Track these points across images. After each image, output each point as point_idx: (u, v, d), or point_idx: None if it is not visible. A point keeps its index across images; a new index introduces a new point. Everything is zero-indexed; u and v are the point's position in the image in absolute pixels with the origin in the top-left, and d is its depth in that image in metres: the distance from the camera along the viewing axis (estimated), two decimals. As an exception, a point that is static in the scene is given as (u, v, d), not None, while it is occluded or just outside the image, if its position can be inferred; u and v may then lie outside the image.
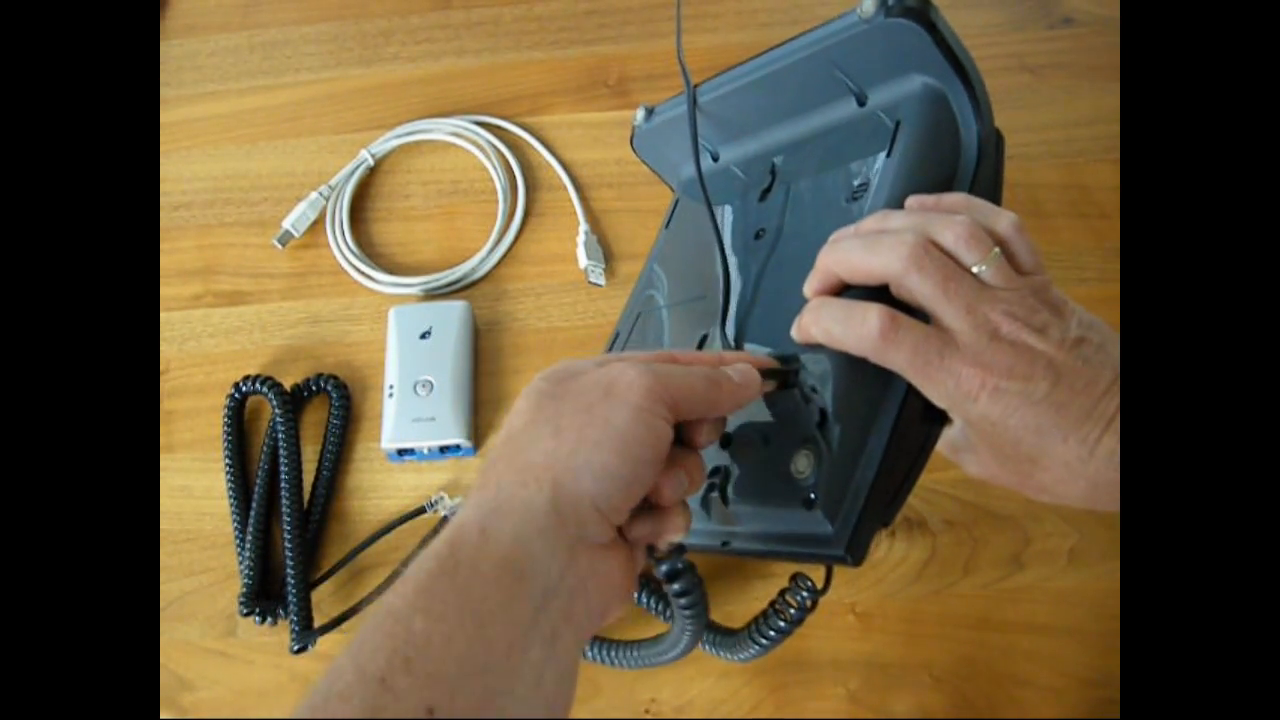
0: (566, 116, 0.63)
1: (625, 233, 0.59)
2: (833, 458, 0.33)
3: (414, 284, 0.57)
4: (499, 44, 0.66)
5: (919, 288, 0.32)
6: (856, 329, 0.32)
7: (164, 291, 0.58)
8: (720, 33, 0.65)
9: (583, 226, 0.58)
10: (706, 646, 0.45)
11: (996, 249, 0.32)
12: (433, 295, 0.57)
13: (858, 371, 0.34)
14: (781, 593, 0.41)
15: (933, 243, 0.32)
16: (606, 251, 0.58)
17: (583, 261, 0.57)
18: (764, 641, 0.42)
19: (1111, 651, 0.47)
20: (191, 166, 0.62)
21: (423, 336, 0.53)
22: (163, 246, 0.60)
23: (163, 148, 0.63)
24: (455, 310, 0.54)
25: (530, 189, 0.60)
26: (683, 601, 0.34)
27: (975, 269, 0.32)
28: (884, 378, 0.33)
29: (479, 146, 0.61)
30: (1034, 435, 0.31)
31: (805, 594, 0.40)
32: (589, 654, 0.46)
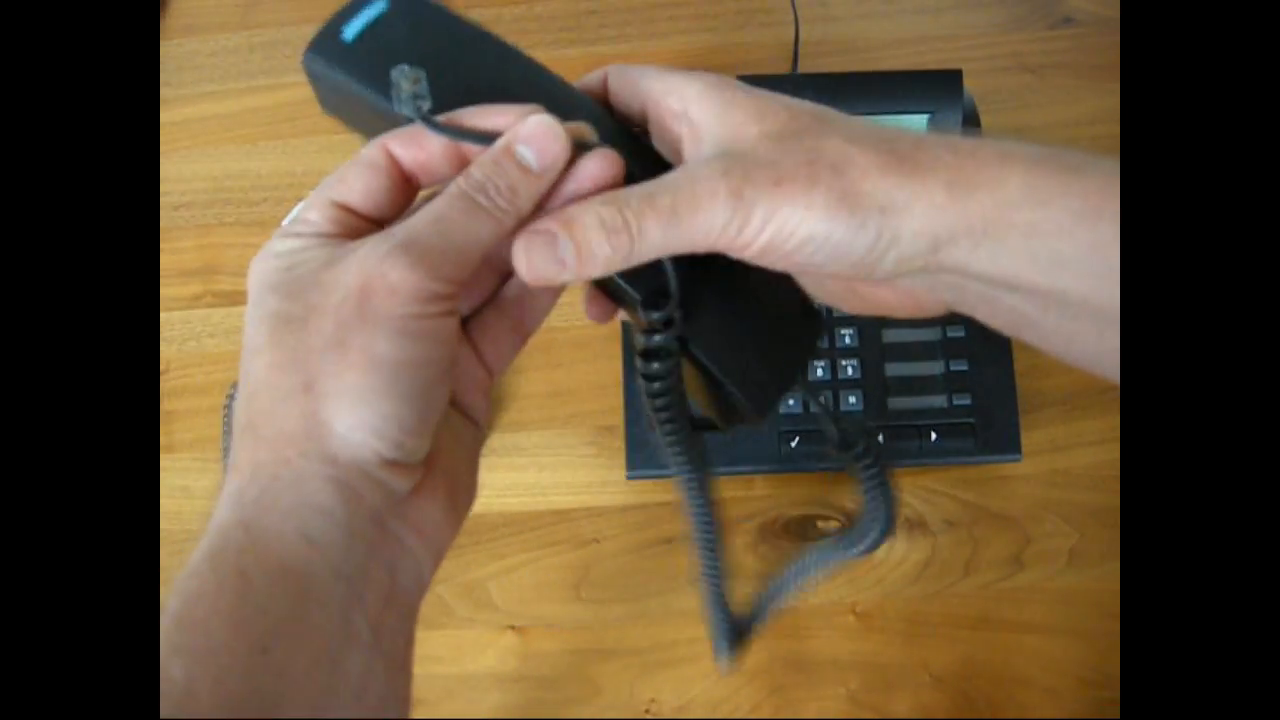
0: (566, 116, 0.63)
1: (625, 233, 0.59)
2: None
3: (414, 284, 0.57)
4: (499, 44, 0.66)
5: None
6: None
7: (164, 291, 0.58)
8: (720, 33, 0.65)
9: (583, 226, 0.58)
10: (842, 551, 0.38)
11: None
12: (433, 295, 0.57)
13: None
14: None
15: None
16: (606, 251, 0.58)
17: (583, 261, 0.57)
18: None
19: (1111, 651, 0.47)
20: (191, 166, 0.62)
21: (423, 336, 0.53)
22: (163, 246, 0.60)
23: (163, 148, 0.63)
24: (455, 310, 0.54)
25: (530, 189, 0.60)
26: (656, 389, 0.28)
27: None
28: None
29: (479, 146, 0.61)
30: None
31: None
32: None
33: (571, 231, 0.25)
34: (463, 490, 0.27)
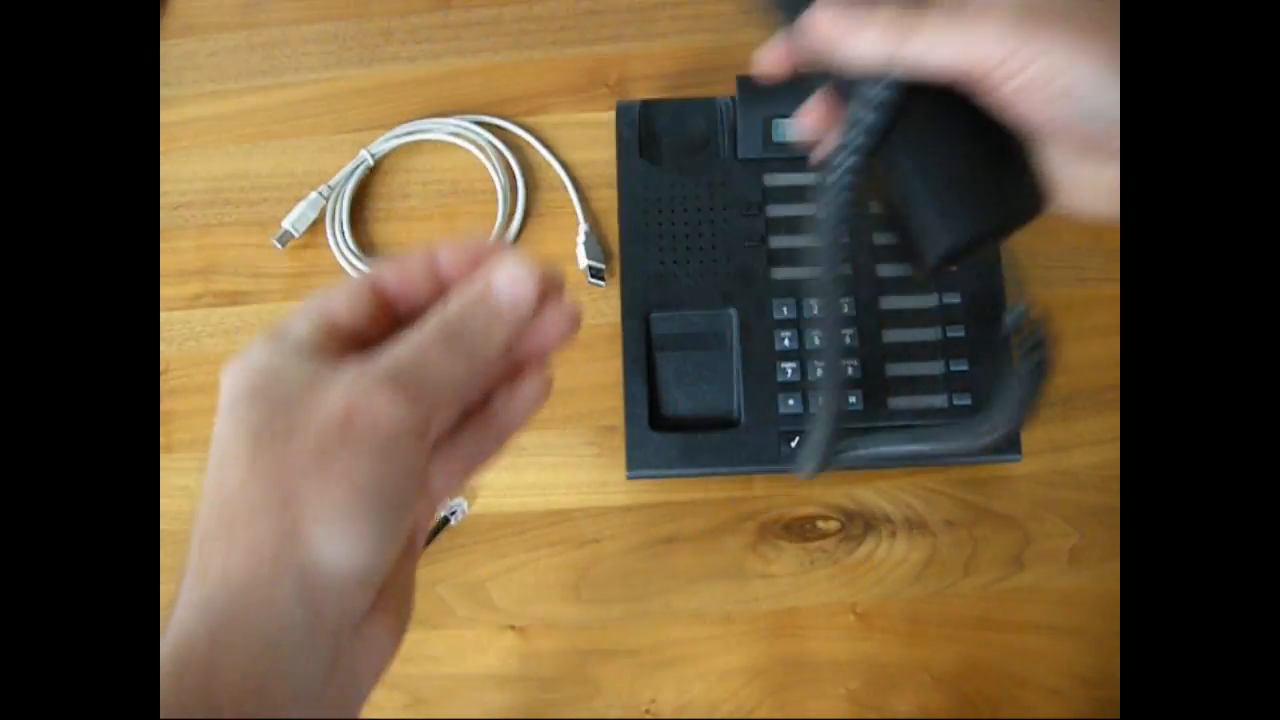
0: (566, 116, 0.63)
1: (625, 233, 0.59)
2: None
3: (414, 284, 0.57)
4: (499, 44, 0.66)
5: None
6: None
7: (164, 291, 0.58)
8: (720, 33, 0.65)
9: (582, 226, 0.58)
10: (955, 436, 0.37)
11: None
12: (433, 295, 0.57)
13: None
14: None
15: None
16: (606, 251, 0.58)
17: (582, 261, 0.57)
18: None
19: (1111, 651, 0.47)
20: (191, 166, 0.62)
21: (423, 336, 0.53)
22: (163, 246, 0.60)
23: (163, 148, 0.63)
24: (455, 310, 0.54)
25: (530, 189, 0.60)
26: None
27: None
28: None
29: (479, 146, 0.61)
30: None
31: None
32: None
33: (862, 12, 0.28)
34: (405, 610, 0.28)
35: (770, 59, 0.32)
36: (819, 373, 0.38)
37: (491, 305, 0.27)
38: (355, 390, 0.24)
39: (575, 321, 0.29)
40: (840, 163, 0.28)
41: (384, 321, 0.28)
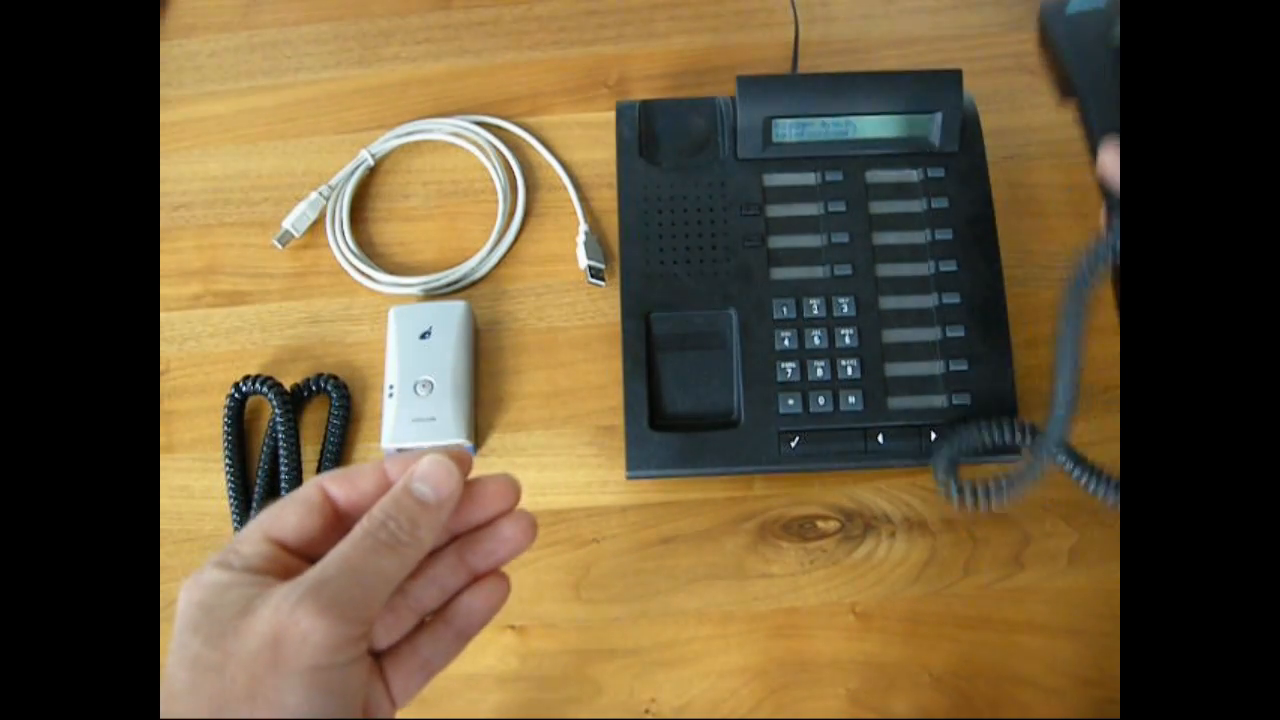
0: (566, 116, 0.63)
1: (625, 233, 0.59)
2: None
3: (414, 284, 0.57)
4: (499, 44, 0.66)
5: None
6: None
7: (164, 291, 0.58)
8: (720, 33, 0.65)
9: (583, 226, 0.58)
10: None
11: None
12: (433, 295, 0.57)
13: None
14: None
15: None
16: (606, 252, 0.58)
17: (583, 261, 0.57)
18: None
19: (1111, 651, 0.47)
20: (191, 166, 0.62)
21: (423, 336, 0.53)
22: (163, 246, 0.60)
23: (163, 148, 0.63)
24: (455, 310, 0.54)
25: (530, 189, 0.60)
26: None
27: None
28: None
29: (479, 146, 0.61)
30: None
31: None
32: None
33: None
34: None
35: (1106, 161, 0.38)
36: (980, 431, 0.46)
37: (414, 498, 0.27)
38: (281, 612, 0.25)
39: (532, 532, 0.30)
40: (1105, 249, 0.36)
41: (337, 533, 0.28)
